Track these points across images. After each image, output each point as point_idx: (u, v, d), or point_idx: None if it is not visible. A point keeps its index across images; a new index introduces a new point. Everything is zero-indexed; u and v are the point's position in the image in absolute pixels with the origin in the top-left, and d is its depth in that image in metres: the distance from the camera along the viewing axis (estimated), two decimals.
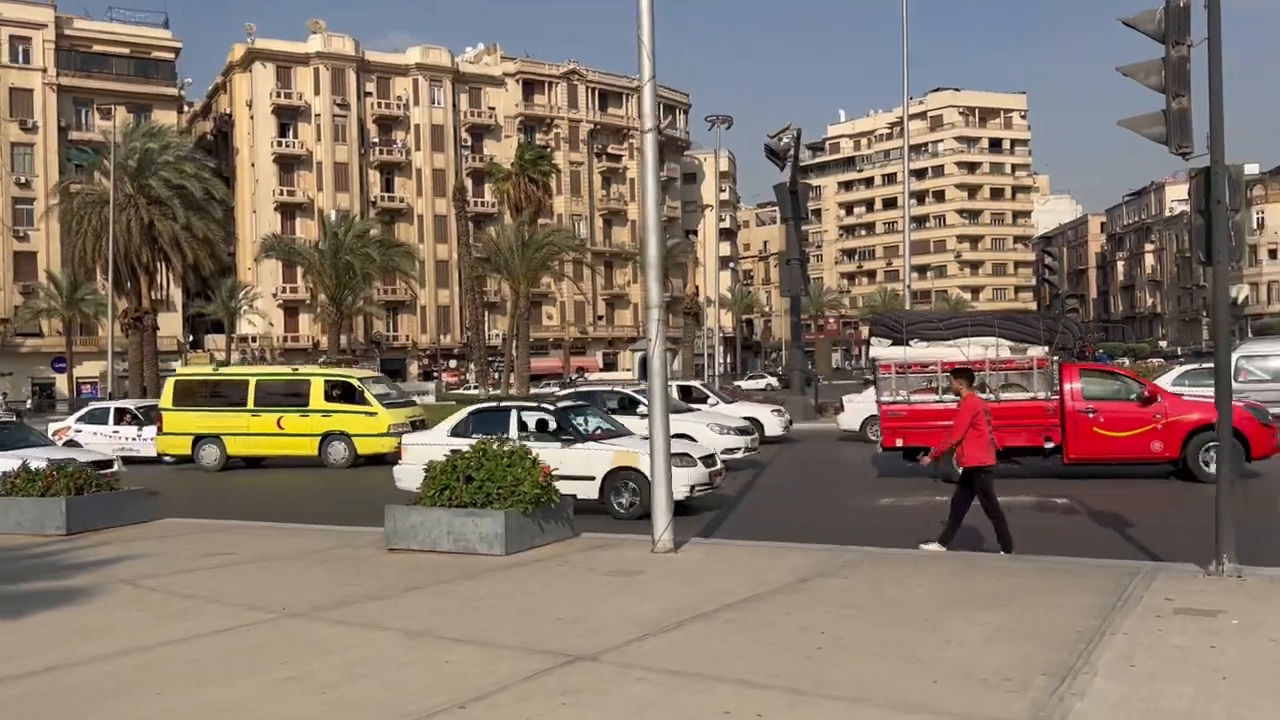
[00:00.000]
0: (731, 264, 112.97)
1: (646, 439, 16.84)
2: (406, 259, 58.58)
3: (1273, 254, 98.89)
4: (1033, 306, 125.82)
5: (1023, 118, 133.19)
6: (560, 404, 17.85)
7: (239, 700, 6.08)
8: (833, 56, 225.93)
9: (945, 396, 17.13)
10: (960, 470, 11.21)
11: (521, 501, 10.66)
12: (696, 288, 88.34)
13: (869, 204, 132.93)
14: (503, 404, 16.23)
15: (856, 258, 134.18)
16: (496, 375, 61.62)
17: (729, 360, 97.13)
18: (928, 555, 10.45)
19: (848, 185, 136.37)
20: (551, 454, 13.95)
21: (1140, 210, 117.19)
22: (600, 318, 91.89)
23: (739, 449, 20.70)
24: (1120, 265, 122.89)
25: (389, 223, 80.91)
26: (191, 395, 25.46)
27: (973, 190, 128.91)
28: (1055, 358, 17.39)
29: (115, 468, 18.23)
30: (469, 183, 79.18)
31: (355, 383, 25.07)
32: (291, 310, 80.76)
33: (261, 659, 7.07)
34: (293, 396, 24.88)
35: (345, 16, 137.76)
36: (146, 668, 6.92)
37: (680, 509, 13.02)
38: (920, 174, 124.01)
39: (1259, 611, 7.59)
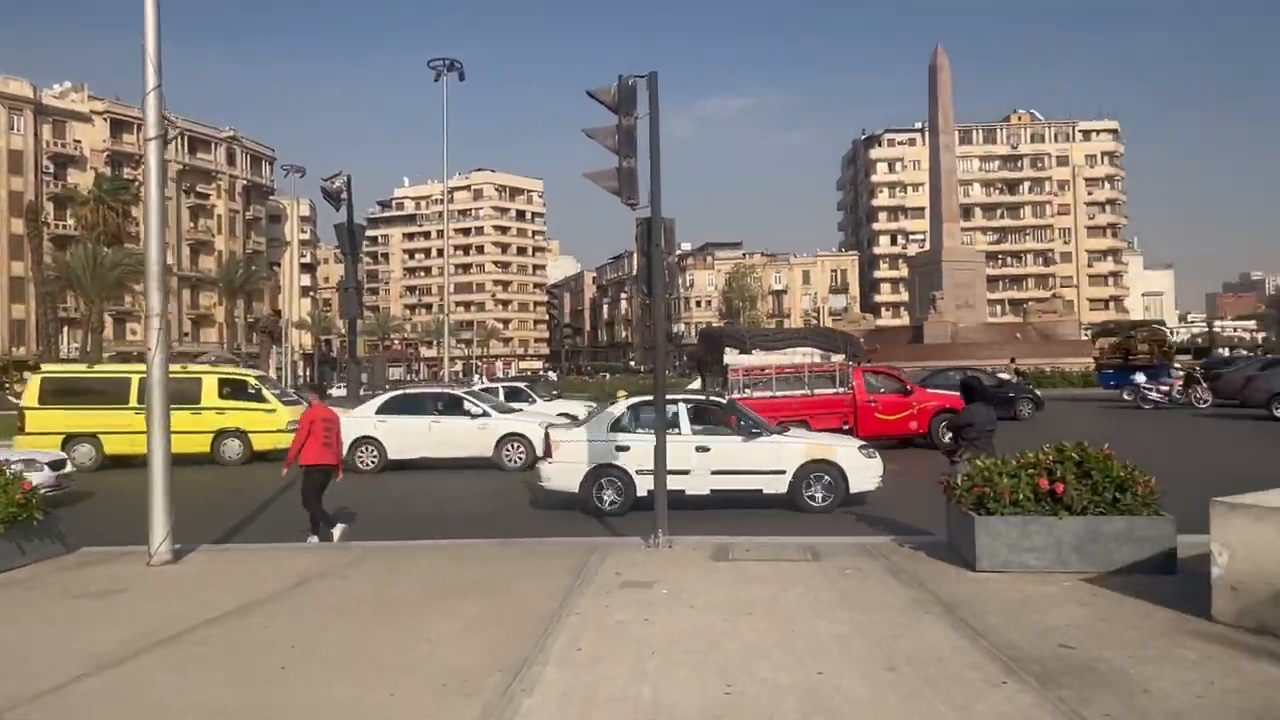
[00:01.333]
0: (312, 293, 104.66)
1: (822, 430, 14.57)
2: None
3: (699, 304, 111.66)
4: (546, 336, 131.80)
5: (540, 196, 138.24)
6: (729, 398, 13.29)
7: None
8: (401, 130, 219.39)
9: (777, 392, 17.54)
10: (305, 469, 9.61)
11: None
12: (278, 311, 79.84)
13: (427, 252, 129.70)
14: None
15: (418, 293, 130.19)
16: None
17: (308, 373, 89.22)
18: (428, 546, 8.98)
19: (410, 236, 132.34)
20: (732, 448, 11.02)
21: (619, 268, 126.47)
22: (186, 334, 79.55)
23: None
24: (606, 308, 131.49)
25: None
26: (61, 394, 18.45)
27: (504, 247, 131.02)
28: (850, 363, 18.33)
29: (68, 468, 13.20)
30: (51, 207, 64.91)
31: (252, 380, 19.57)
32: None
33: None
34: (181, 394, 17.95)
35: None
36: None
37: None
38: (466, 232, 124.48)
39: (683, 579, 7.09)
